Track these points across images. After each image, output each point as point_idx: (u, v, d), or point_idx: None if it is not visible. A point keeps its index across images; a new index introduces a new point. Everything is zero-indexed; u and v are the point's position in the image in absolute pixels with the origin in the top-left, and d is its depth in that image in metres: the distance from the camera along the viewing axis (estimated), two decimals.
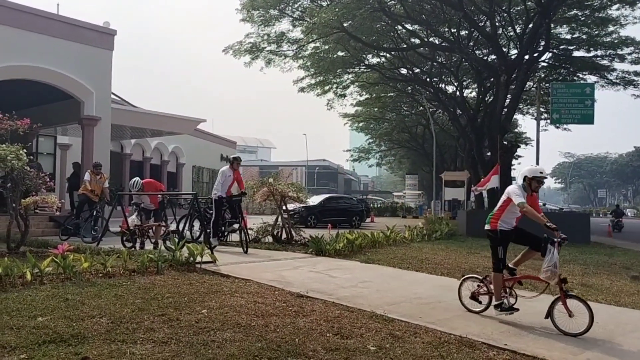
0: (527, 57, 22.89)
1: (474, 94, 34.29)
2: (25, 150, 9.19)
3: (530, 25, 22.50)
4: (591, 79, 27.76)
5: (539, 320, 5.49)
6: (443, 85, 32.97)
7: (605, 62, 26.79)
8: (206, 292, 6.32)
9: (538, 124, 20.85)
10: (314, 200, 23.08)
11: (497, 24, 24.16)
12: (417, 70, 31.10)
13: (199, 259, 7.93)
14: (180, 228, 10.95)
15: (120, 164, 25.43)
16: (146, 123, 20.80)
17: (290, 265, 8.89)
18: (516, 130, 43.68)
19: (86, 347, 4.11)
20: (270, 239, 12.35)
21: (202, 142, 33.76)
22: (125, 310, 5.25)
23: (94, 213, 12.55)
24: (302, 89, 29.49)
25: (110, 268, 7.03)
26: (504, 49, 25.43)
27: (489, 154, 29.60)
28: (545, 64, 28.00)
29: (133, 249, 9.94)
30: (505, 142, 22.34)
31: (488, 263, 10.26)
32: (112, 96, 17.19)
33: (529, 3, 22.35)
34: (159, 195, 11.42)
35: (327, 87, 30.19)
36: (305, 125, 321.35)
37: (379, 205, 50.38)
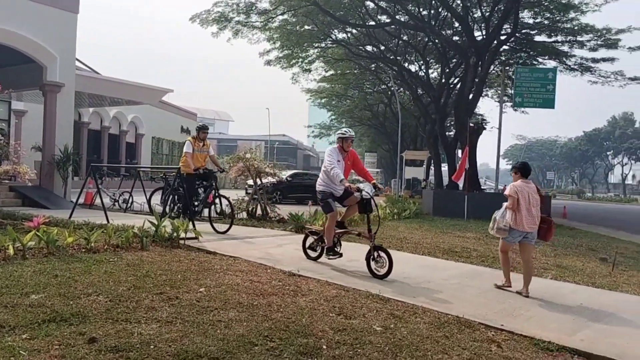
0: (495, 41, 23.18)
1: (435, 74, 34.57)
2: None
3: (501, 7, 22.67)
4: (551, 63, 28.47)
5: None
6: (407, 64, 33.07)
7: (565, 48, 27.45)
8: (198, 269, 6.20)
9: (501, 107, 21.32)
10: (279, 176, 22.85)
11: (467, 4, 24.25)
12: (383, 47, 31.04)
13: (182, 235, 7.76)
14: (155, 202, 10.66)
15: (78, 133, 24.50)
16: (110, 91, 20.04)
17: (273, 243, 8.84)
18: (474, 111, 44.52)
19: (89, 327, 3.95)
20: (244, 215, 12.21)
21: (161, 113, 32.83)
22: (121, 288, 5.08)
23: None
24: (268, 62, 29.05)
25: (93, 243, 6.79)
26: None
27: (450, 133, 30.07)
28: (506, 47, 28.40)
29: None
30: (472, 124, 22.75)
31: (464, 243, 10.56)
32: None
33: None
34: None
35: (293, 61, 29.82)
36: (265, 100, 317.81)
37: None
